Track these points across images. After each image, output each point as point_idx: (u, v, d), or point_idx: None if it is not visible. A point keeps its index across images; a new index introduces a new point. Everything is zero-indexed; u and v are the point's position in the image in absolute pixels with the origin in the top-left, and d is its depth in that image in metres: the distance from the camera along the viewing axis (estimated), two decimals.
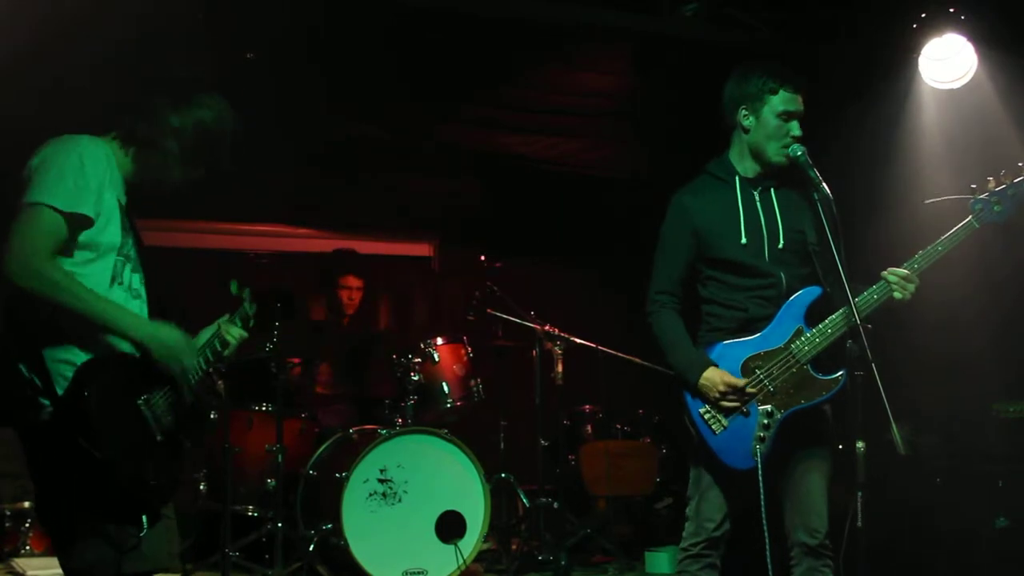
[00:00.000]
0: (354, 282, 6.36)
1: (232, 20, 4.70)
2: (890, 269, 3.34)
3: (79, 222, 2.66)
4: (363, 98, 6.25)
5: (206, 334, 2.99)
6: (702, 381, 3.34)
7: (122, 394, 2.70)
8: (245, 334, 3.01)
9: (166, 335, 2.76)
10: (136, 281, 2.85)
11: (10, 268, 2.58)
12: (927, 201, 3.48)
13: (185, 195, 2.90)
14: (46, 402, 2.59)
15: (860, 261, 3.51)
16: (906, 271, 3.32)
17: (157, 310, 2.89)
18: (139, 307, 2.84)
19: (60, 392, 2.59)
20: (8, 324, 2.67)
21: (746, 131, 3.48)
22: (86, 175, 2.66)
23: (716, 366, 3.35)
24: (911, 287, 3.31)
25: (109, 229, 2.73)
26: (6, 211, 2.67)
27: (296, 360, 5.91)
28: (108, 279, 2.73)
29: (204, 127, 2.84)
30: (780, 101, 3.41)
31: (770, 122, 3.42)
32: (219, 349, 2.95)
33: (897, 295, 3.31)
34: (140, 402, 2.73)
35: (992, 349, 5.20)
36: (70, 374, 2.61)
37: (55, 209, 2.61)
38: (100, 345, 2.67)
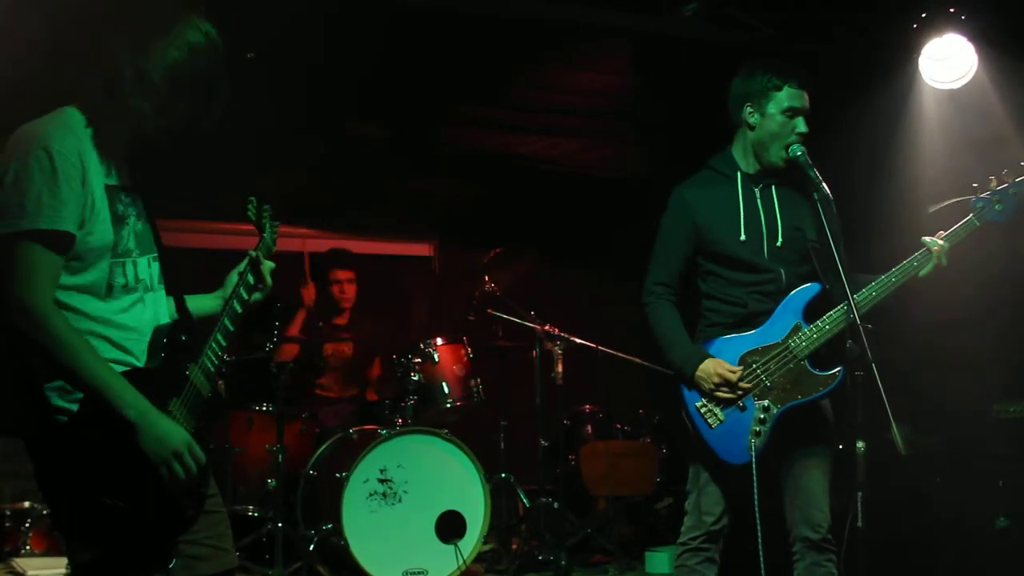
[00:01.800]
0: (343, 275, 6.36)
1: (232, 20, 4.70)
2: (931, 238, 3.37)
3: (64, 242, 2.35)
4: (363, 98, 6.25)
5: (231, 281, 2.74)
6: (699, 373, 3.35)
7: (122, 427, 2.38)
8: (273, 264, 2.79)
9: (164, 428, 2.40)
10: (143, 270, 2.54)
11: (14, 319, 2.31)
12: (931, 209, 3.48)
13: (184, 192, 2.68)
14: (62, 417, 2.36)
15: (860, 260, 3.52)
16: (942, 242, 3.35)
17: (175, 291, 2.63)
18: (153, 300, 2.56)
19: (62, 417, 2.35)
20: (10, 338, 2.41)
21: (751, 128, 3.48)
22: (58, 181, 2.33)
23: (712, 358, 3.36)
24: (944, 260, 3.34)
25: (97, 230, 2.41)
26: None
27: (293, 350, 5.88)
28: (103, 289, 2.45)
29: (178, 70, 2.43)
30: (785, 97, 3.43)
31: (775, 119, 3.43)
32: (252, 283, 2.72)
33: (927, 269, 3.33)
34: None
35: (992, 349, 5.20)
36: (68, 395, 2.36)
37: (43, 235, 2.30)
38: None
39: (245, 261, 2.78)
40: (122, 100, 2.40)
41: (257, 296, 2.79)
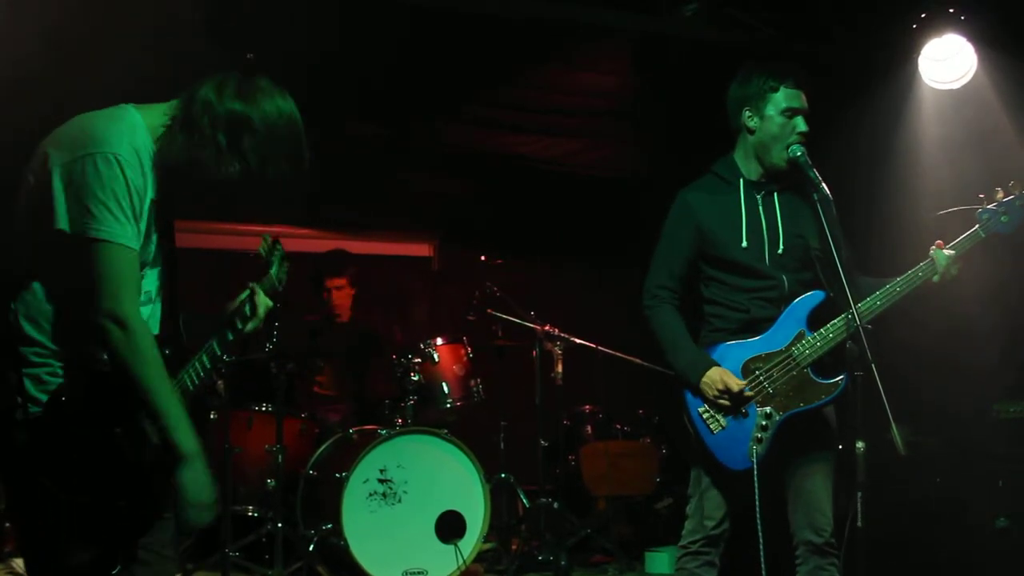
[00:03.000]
0: (339, 282, 6.36)
1: (232, 20, 4.70)
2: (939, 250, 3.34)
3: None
4: (363, 98, 6.25)
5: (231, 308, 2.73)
6: (704, 380, 3.34)
7: (97, 422, 2.37)
8: (270, 303, 2.78)
9: (208, 476, 2.41)
10: (149, 282, 2.55)
11: (105, 325, 2.31)
12: (938, 214, 3.47)
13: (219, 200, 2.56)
14: (32, 408, 2.34)
15: (860, 261, 3.51)
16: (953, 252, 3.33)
17: (170, 311, 2.62)
18: (148, 313, 2.54)
19: (33, 407, 2.33)
20: None
21: (751, 132, 3.48)
22: (131, 196, 2.34)
23: (718, 366, 3.35)
24: (953, 271, 3.32)
25: (147, 246, 2.44)
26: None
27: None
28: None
29: (265, 122, 2.44)
30: (783, 98, 3.42)
31: (774, 120, 3.42)
32: (248, 315, 2.70)
33: (936, 279, 3.31)
34: (120, 430, 2.39)
35: (992, 349, 5.20)
36: (45, 388, 2.34)
37: (129, 248, 2.32)
38: (84, 359, 2.40)
39: (245, 292, 2.78)
40: (199, 120, 2.40)
41: (252, 326, 2.77)
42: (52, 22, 4.37)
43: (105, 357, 2.41)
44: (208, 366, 2.65)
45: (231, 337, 2.70)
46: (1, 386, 2.37)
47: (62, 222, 2.33)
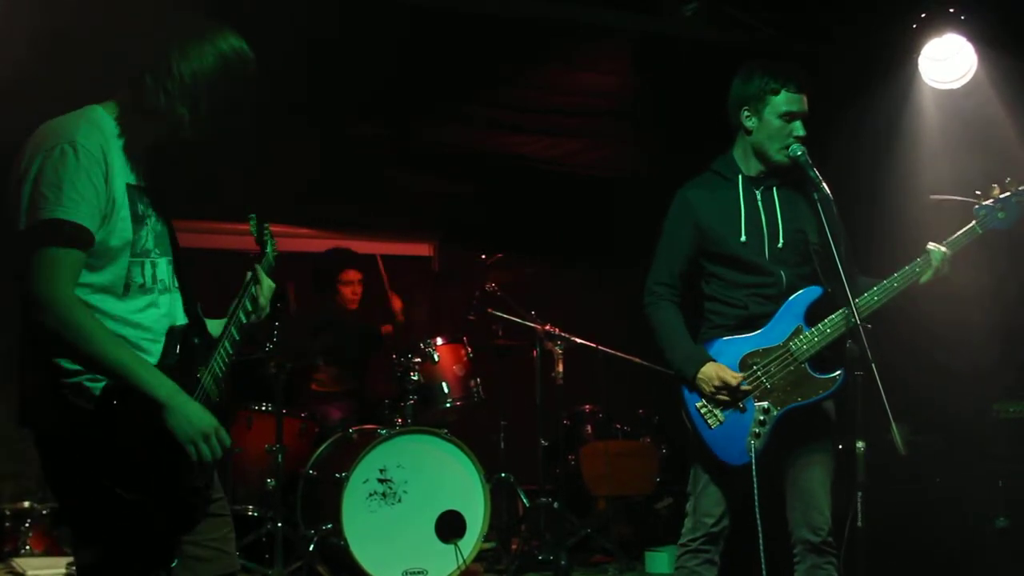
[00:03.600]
0: (354, 275, 6.36)
1: (231, 20, 4.70)
2: (934, 246, 3.35)
3: (83, 237, 2.35)
4: (363, 98, 6.25)
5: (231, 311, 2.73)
6: (700, 375, 3.35)
7: (150, 420, 2.38)
8: (273, 284, 2.79)
9: (194, 409, 2.42)
10: (162, 270, 2.55)
11: (37, 315, 2.31)
12: (933, 197, 3.48)
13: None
14: (80, 415, 2.35)
15: (861, 261, 3.52)
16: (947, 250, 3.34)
17: (189, 294, 2.62)
18: (169, 301, 2.57)
19: (80, 414, 2.34)
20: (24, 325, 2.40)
21: (748, 132, 3.48)
22: (80, 175, 2.33)
23: (714, 361, 3.36)
24: (947, 268, 3.33)
25: (117, 228, 2.41)
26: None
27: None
28: (121, 288, 2.45)
29: (215, 76, 2.45)
30: (782, 102, 3.42)
31: (772, 123, 3.42)
32: (250, 310, 2.72)
33: (927, 276, 3.31)
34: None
35: (993, 349, 5.20)
36: (91, 394, 2.36)
37: (62, 226, 2.29)
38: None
39: (249, 276, 2.79)
40: (154, 100, 2.41)
41: (263, 302, 2.78)
42: (51, 22, 4.37)
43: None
44: (231, 351, 2.67)
45: (244, 321, 2.71)
46: (43, 401, 2.38)
47: (23, 221, 2.34)
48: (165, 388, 2.39)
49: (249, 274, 2.78)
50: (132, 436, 2.37)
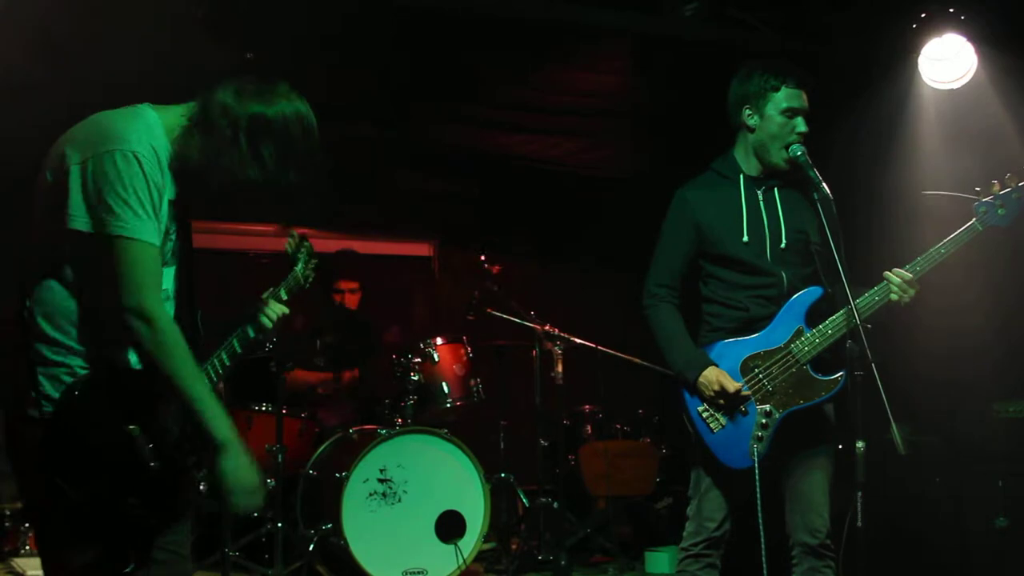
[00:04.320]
0: (347, 285, 6.37)
1: (232, 20, 4.71)
2: (893, 270, 3.33)
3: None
4: (363, 98, 6.25)
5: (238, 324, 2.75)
6: (701, 380, 3.34)
7: (111, 421, 2.36)
8: (286, 310, 2.79)
9: (247, 461, 2.43)
10: (167, 280, 2.53)
11: (131, 322, 2.33)
12: (925, 192, 3.47)
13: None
14: (46, 406, 2.34)
15: (861, 261, 3.51)
16: (909, 275, 3.31)
17: (189, 309, 2.61)
18: (169, 310, 2.54)
19: (47, 406, 2.33)
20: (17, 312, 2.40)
21: (751, 130, 3.48)
22: (151, 193, 2.35)
23: (716, 365, 3.35)
24: (911, 292, 3.31)
25: (164, 244, 2.45)
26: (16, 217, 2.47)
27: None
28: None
29: (284, 125, 2.47)
30: (783, 98, 3.41)
31: (774, 120, 3.42)
32: (252, 336, 2.72)
33: (894, 297, 3.31)
34: (134, 428, 2.39)
35: (992, 349, 5.19)
36: (61, 386, 2.35)
37: (151, 244, 2.33)
38: (102, 358, 2.40)
39: (269, 291, 2.81)
40: (227, 127, 2.41)
41: (266, 329, 2.80)
42: (50, 22, 4.37)
43: (126, 356, 2.42)
44: (227, 363, 2.67)
45: (252, 335, 2.72)
46: (15, 384, 2.37)
47: (79, 221, 2.34)
48: (228, 431, 2.41)
49: (269, 290, 2.80)
50: (91, 436, 2.35)
